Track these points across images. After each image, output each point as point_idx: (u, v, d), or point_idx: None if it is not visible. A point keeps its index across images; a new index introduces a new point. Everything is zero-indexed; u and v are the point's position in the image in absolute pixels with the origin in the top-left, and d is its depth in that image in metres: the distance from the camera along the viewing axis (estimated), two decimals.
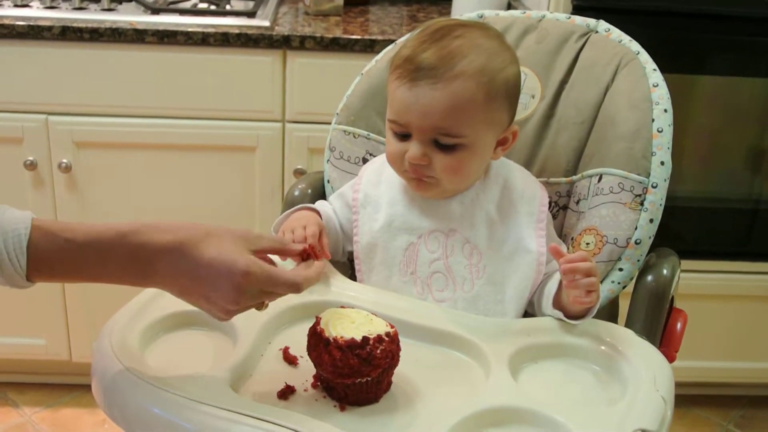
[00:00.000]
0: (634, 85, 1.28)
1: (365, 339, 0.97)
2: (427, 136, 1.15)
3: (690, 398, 2.37)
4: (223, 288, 0.93)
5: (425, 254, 1.22)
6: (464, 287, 1.20)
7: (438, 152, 1.16)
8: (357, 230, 1.26)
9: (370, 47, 1.96)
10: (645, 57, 1.31)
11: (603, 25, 1.37)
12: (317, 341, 0.99)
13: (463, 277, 1.21)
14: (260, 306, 1.00)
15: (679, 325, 1.26)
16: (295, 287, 0.97)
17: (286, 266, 1.07)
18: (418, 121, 1.15)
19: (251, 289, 0.94)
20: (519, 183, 1.25)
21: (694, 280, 2.16)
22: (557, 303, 1.16)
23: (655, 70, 1.29)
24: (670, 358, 1.22)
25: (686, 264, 2.11)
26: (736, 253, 2.20)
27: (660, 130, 1.25)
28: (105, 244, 0.93)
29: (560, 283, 1.14)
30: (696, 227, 2.20)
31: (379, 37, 1.97)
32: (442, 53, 1.13)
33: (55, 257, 0.92)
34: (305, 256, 1.06)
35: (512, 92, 1.19)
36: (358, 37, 1.96)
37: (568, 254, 1.11)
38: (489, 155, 1.21)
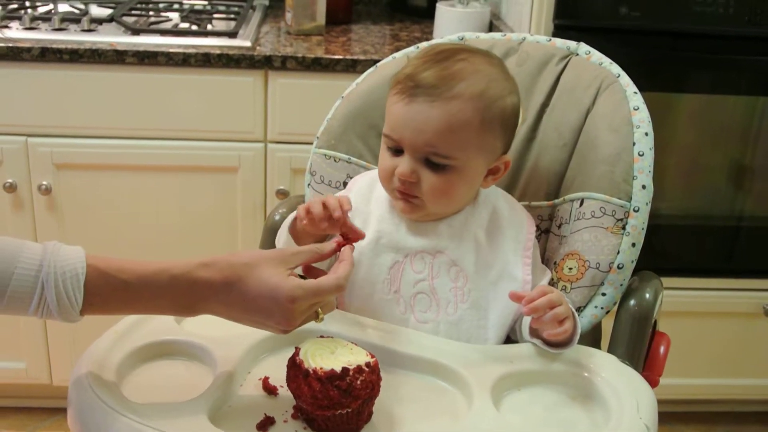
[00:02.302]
0: (615, 108, 1.28)
1: (345, 370, 0.96)
2: (419, 154, 1.15)
3: (674, 415, 2.37)
4: (275, 316, 0.99)
5: (410, 274, 1.21)
6: (448, 310, 1.20)
7: (427, 171, 1.15)
8: None
9: (352, 67, 1.95)
10: (626, 80, 1.31)
11: (583, 47, 1.37)
12: (296, 372, 0.98)
13: (447, 300, 1.20)
14: (316, 318, 1.04)
15: (662, 349, 1.25)
16: (339, 288, 1.03)
17: None
18: (411, 137, 1.14)
19: (300, 309, 1.00)
20: (507, 210, 1.25)
21: (678, 298, 2.17)
22: (534, 331, 1.15)
23: (635, 92, 1.29)
24: (654, 383, 1.22)
25: (669, 281, 2.11)
26: (719, 270, 2.21)
27: (641, 153, 1.24)
28: (158, 286, 0.98)
29: None
30: (679, 244, 2.20)
31: (361, 57, 1.96)
32: (443, 74, 1.14)
33: (109, 295, 0.97)
34: (339, 249, 1.09)
35: (508, 121, 1.18)
36: (340, 57, 1.96)
37: (527, 294, 1.10)
38: (478, 182, 1.20)
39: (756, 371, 2.29)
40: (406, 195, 1.18)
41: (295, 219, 1.21)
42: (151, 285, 0.98)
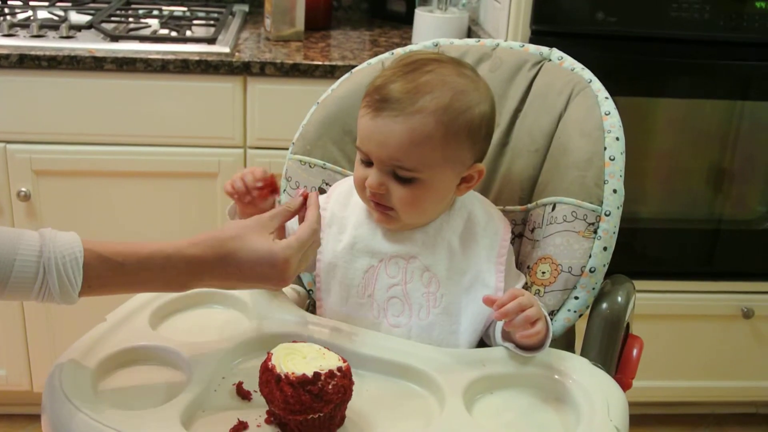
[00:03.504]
0: (586, 113, 1.29)
1: (317, 375, 0.96)
2: (386, 167, 1.16)
3: (655, 418, 2.38)
4: (272, 279, 1.07)
5: (384, 278, 1.22)
6: (420, 314, 1.20)
7: (396, 183, 1.16)
8: (321, 248, 1.26)
9: (331, 73, 1.96)
10: (597, 85, 1.32)
11: (556, 53, 1.38)
12: (269, 377, 0.98)
13: (420, 305, 1.21)
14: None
15: (635, 352, 1.26)
16: (315, 231, 1.11)
17: None
18: (376, 151, 1.15)
19: (294, 266, 1.07)
20: (482, 217, 1.25)
21: (658, 301, 2.18)
22: (506, 335, 1.16)
23: (607, 98, 1.30)
24: (627, 385, 1.23)
25: (650, 284, 2.13)
26: (699, 273, 2.22)
27: (612, 158, 1.25)
28: (154, 266, 1.03)
29: None
30: (658, 248, 2.22)
31: (340, 63, 1.97)
32: (409, 87, 1.14)
33: (107, 277, 1.02)
34: (305, 201, 1.16)
35: (477, 132, 1.17)
36: (319, 63, 1.97)
37: (498, 299, 1.10)
38: (449, 192, 1.20)
39: (736, 373, 2.31)
40: (381, 206, 1.19)
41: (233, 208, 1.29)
42: (148, 266, 1.03)
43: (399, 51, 1.44)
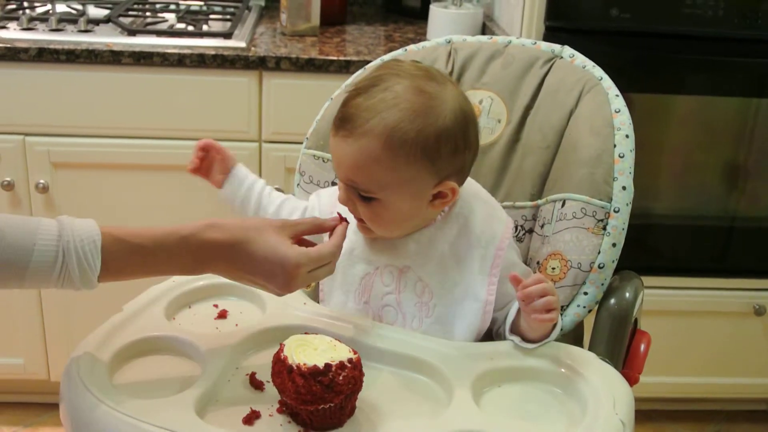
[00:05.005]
0: (597, 110, 1.30)
1: (327, 366, 0.98)
2: (347, 184, 1.16)
3: (666, 413, 2.39)
4: (277, 279, 1.06)
5: (379, 286, 1.23)
6: (413, 324, 1.21)
7: (358, 200, 1.16)
8: None
9: (346, 68, 1.97)
10: (608, 83, 1.33)
11: (567, 50, 1.39)
12: (281, 368, 1.00)
13: (413, 314, 1.22)
14: (307, 287, 1.15)
15: (642, 347, 1.27)
16: (335, 255, 1.10)
17: None
18: (336, 168, 1.17)
19: (302, 275, 1.06)
20: (479, 224, 1.23)
21: (671, 297, 2.19)
22: (515, 328, 1.17)
23: (617, 95, 1.31)
24: (634, 380, 1.24)
25: (662, 281, 2.14)
26: (712, 269, 2.22)
27: (622, 155, 1.26)
28: (170, 248, 1.05)
29: (519, 307, 1.15)
30: (672, 244, 2.22)
31: (355, 58, 1.98)
32: (362, 107, 1.12)
33: (124, 259, 1.03)
34: (337, 224, 1.15)
35: (434, 151, 1.12)
36: (334, 58, 1.98)
37: (525, 281, 1.11)
38: (416, 210, 1.18)
39: (746, 370, 2.31)
40: (357, 218, 1.20)
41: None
42: (163, 247, 1.04)
43: (412, 47, 1.45)
